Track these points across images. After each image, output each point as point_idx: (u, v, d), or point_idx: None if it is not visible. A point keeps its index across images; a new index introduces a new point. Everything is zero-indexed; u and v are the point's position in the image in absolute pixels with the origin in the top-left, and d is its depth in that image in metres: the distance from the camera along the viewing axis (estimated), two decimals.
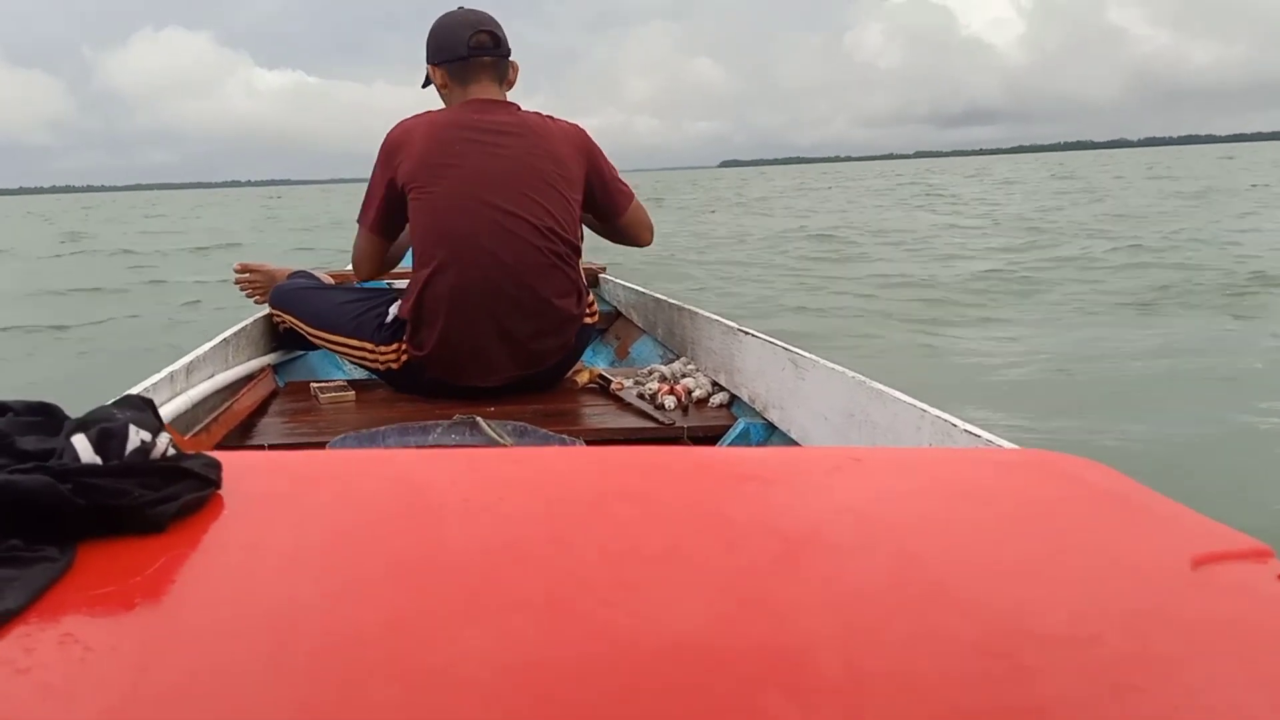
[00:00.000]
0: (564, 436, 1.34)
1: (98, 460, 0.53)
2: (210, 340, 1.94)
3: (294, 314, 2.22)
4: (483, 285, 1.92)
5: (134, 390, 1.49)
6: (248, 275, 2.50)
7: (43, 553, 0.48)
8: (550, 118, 2.09)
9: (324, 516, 0.58)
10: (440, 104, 2.16)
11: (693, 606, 0.48)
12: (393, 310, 2.05)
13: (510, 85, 2.12)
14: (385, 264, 2.22)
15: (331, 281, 2.47)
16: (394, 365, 2.05)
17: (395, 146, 2.01)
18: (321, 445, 1.67)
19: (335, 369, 2.61)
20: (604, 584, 0.50)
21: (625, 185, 2.20)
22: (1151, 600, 0.50)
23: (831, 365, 1.56)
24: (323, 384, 2.07)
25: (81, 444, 0.54)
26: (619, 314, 2.89)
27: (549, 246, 1.97)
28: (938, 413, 1.24)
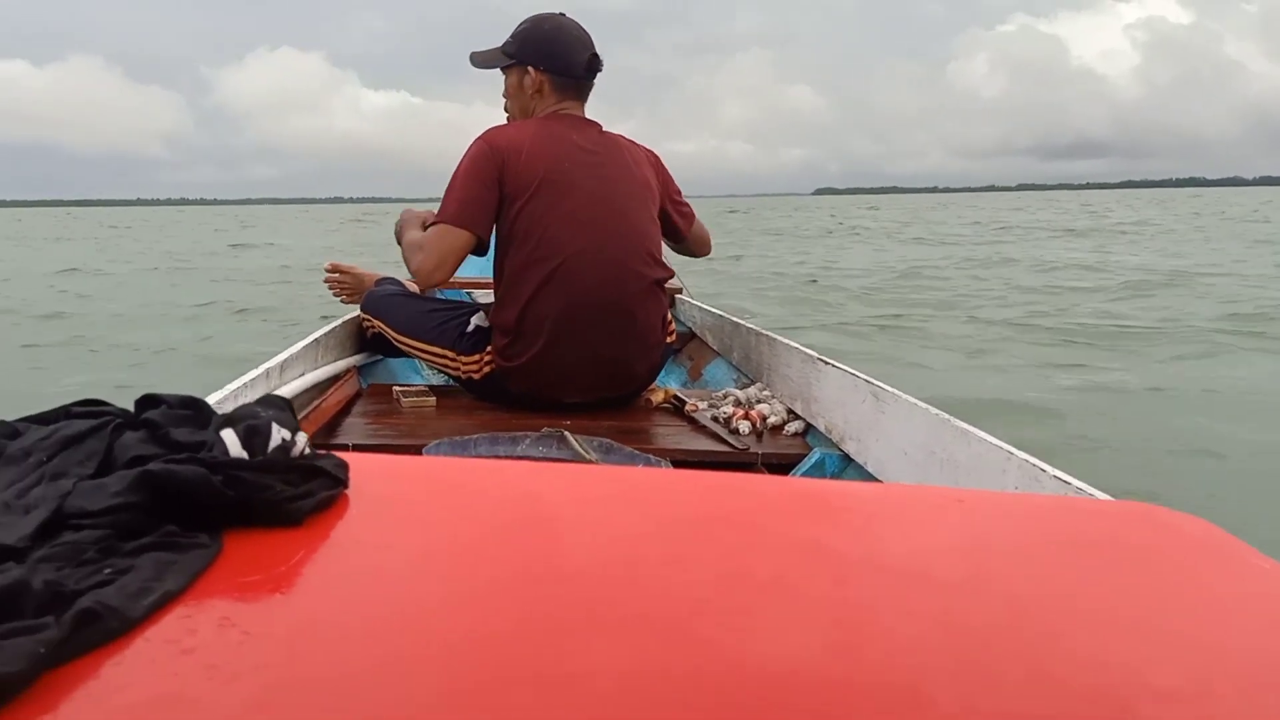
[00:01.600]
0: (649, 456, 1.36)
1: (244, 455, 0.57)
2: (302, 340, 2.01)
3: (383, 320, 2.28)
4: (589, 305, 1.95)
5: (233, 384, 1.55)
6: (338, 275, 2.57)
7: (197, 539, 0.51)
8: (630, 140, 2.13)
9: (447, 522, 0.61)
10: (498, 95, 2.17)
11: (805, 636, 0.49)
12: (474, 321, 2.09)
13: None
14: (457, 268, 2.07)
15: (418, 290, 2.53)
16: (475, 375, 2.09)
17: (500, 152, 1.98)
18: (404, 448, 1.71)
19: (415, 374, 2.66)
20: (718, 607, 0.51)
21: (688, 204, 2.29)
22: (1266, 657, 0.50)
23: (914, 400, 1.55)
24: (404, 388, 2.12)
25: (230, 438, 0.57)
26: (693, 335, 2.90)
27: (648, 271, 2.00)
28: (1025, 456, 1.23)
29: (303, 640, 0.45)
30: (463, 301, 2.30)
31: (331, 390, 1.97)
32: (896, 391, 1.62)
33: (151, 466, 0.53)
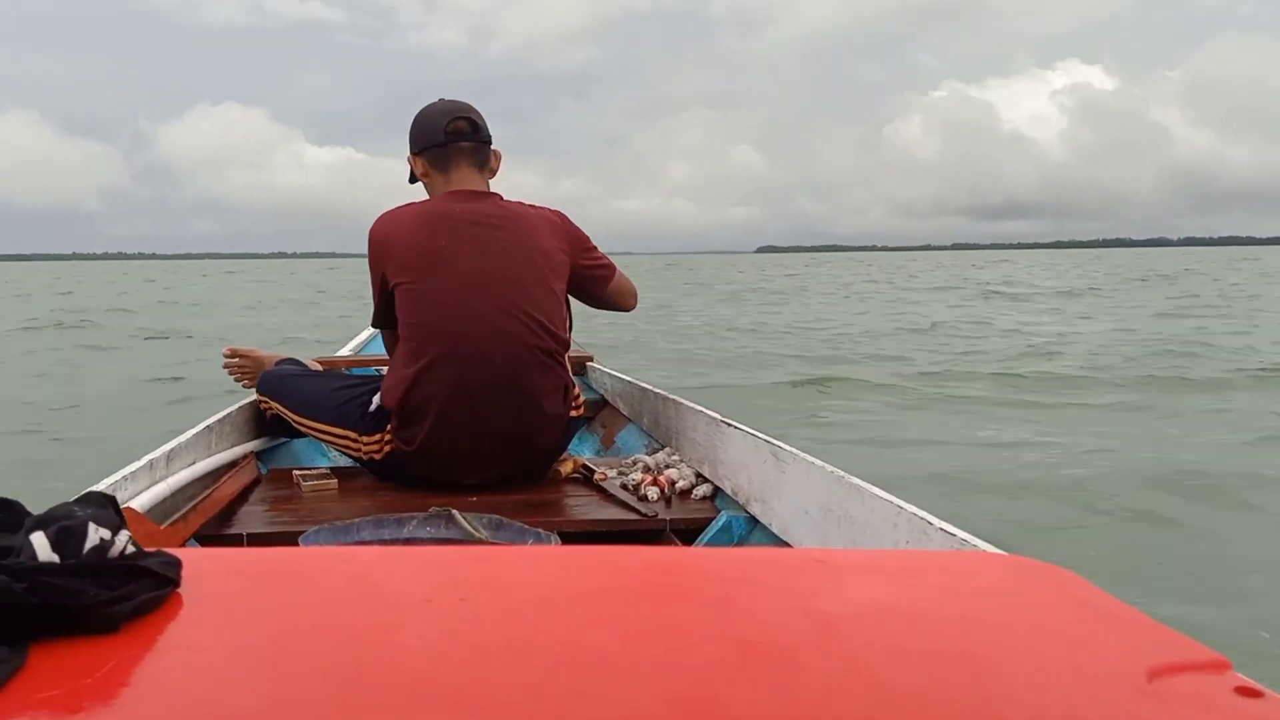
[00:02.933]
0: (539, 531, 1.33)
1: (55, 558, 0.54)
2: (194, 427, 1.94)
3: (280, 401, 2.22)
4: (474, 385, 1.91)
5: (113, 477, 1.49)
6: (236, 360, 2.51)
7: None
8: (532, 206, 2.11)
9: (278, 616, 0.58)
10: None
11: (643, 709, 0.48)
12: (376, 399, 2.05)
13: (493, 173, 2.13)
14: None
15: (319, 369, 2.48)
16: (376, 455, 2.04)
17: (382, 242, 2.01)
18: (301, 534, 1.66)
19: (320, 456, 2.60)
20: (555, 689, 0.50)
21: (605, 259, 2.22)
22: (1107, 711, 0.50)
23: (811, 459, 1.56)
24: (305, 472, 2.06)
25: (40, 541, 0.54)
26: (605, 402, 2.90)
27: (540, 344, 1.96)
28: (914, 510, 1.24)
29: None
30: (366, 377, 2.25)
31: (226, 478, 1.91)
32: (795, 451, 1.63)
33: None
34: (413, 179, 2.18)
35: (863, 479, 1.42)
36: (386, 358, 2.64)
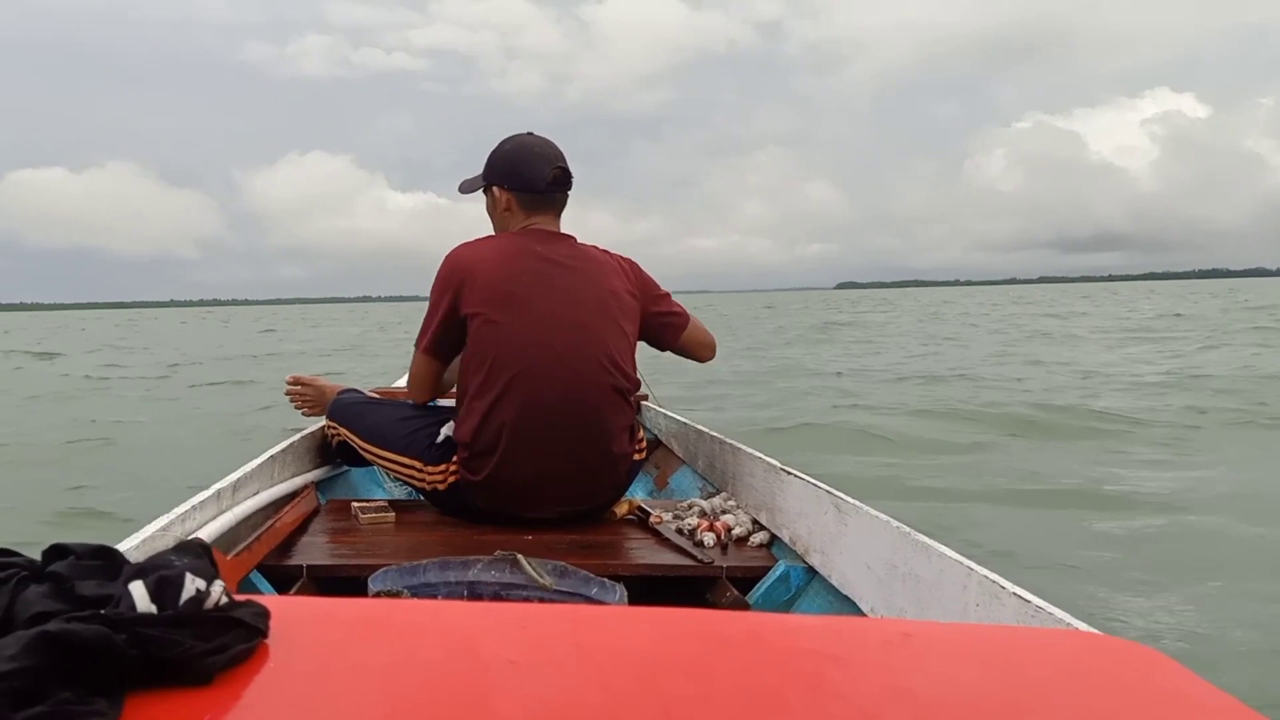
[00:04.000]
0: (604, 581, 1.32)
1: (153, 609, 0.54)
2: (257, 458, 1.96)
3: (349, 427, 2.25)
4: (547, 420, 1.93)
5: (183, 506, 1.51)
6: (299, 388, 2.54)
7: (93, 706, 0.48)
8: (605, 251, 2.14)
9: (371, 673, 0.58)
10: (484, 216, 2.21)
11: None
12: (444, 430, 2.07)
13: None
14: (443, 387, 2.22)
15: (378, 398, 2.50)
16: (440, 485, 2.05)
17: (460, 271, 2.01)
18: (359, 567, 1.66)
19: (376, 487, 2.62)
20: None
21: (678, 308, 2.25)
22: None
23: (875, 513, 1.53)
24: (363, 504, 2.08)
25: (139, 591, 0.54)
26: (659, 443, 2.88)
27: (611, 382, 1.98)
28: (985, 572, 1.21)
29: None
30: (433, 409, 2.27)
31: (287, 508, 1.92)
32: (858, 503, 1.60)
33: (49, 627, 0.50)
34: (468, 190, 2.21)
35: (929, 536, 1.39)
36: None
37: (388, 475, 2.59)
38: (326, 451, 2.41)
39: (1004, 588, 1.15)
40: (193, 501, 1.56)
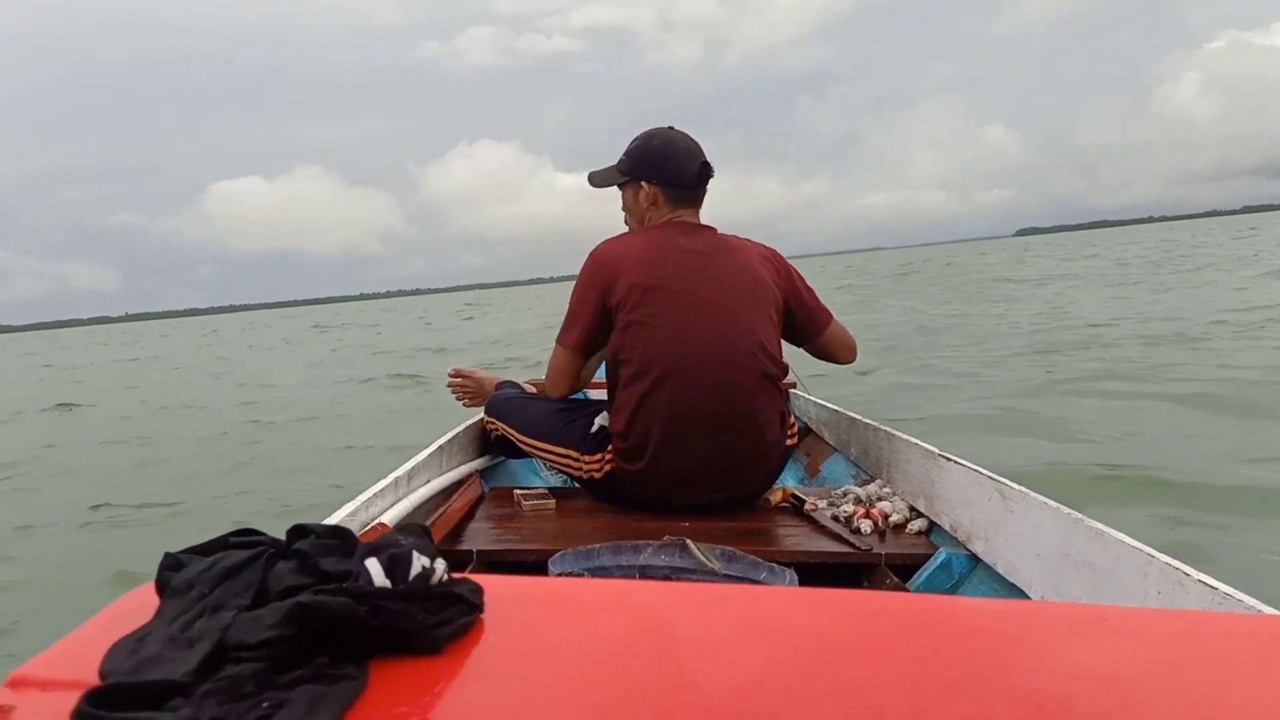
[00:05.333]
0: (772, 566, 1.34)
1: (387, 583, 0.59)
2: (427, 448, 2.07)
3: (507, 422, 2.35)
4: (701, 408, 1.96)
5: (366, 493, 1.61)
6: (460, 380, 2.66)
7: (345, 671, 0.53)
8: (748, 240, 2.16)
9: (578, 650, 0.62)
10: (618, 209, 2.25)
11: None
12: (598, 421, 2.13)
13: None
14: (581, 382, 2.27)
15: (534, 391, 2.59)
16: (595, 474, 2.11)
17: (608, 265, 2.06)
18: (527, 552, 1.74)
19: (534, 475, 2.71)
20: None
21: (821, 305, 2.25)
22: None
23: (1044, 499, 1.50)
24: (525, 491, 2.16)
25: (375, 568, 0.60)
26: (809, 430, 2.88)
27: (760, 368, 2.00)
28: (1166, 559, 1.18)
29: None
30: (585, 401, 2.33)
31: (456, 495, 2.02)
32: (1025, 490, 1.57)
33: (303, 598, 0.55)
34: (601, 184, 2.25)
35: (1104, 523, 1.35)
36: (594, 381, 2.73)
37: (544, 465, 2.68)
38: (486, 442, 2.51)
39: (1188, 574, 1.11)
40: (374, 489, 1.66)
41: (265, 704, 0.49)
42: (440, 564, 0.63)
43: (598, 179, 2.26)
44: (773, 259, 2.16)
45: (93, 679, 0.52)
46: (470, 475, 2.25)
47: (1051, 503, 1.48)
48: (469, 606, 0.62)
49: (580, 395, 2.78)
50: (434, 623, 0.58)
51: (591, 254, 2.12)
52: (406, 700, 0.53)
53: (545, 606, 0.69)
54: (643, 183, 2.17)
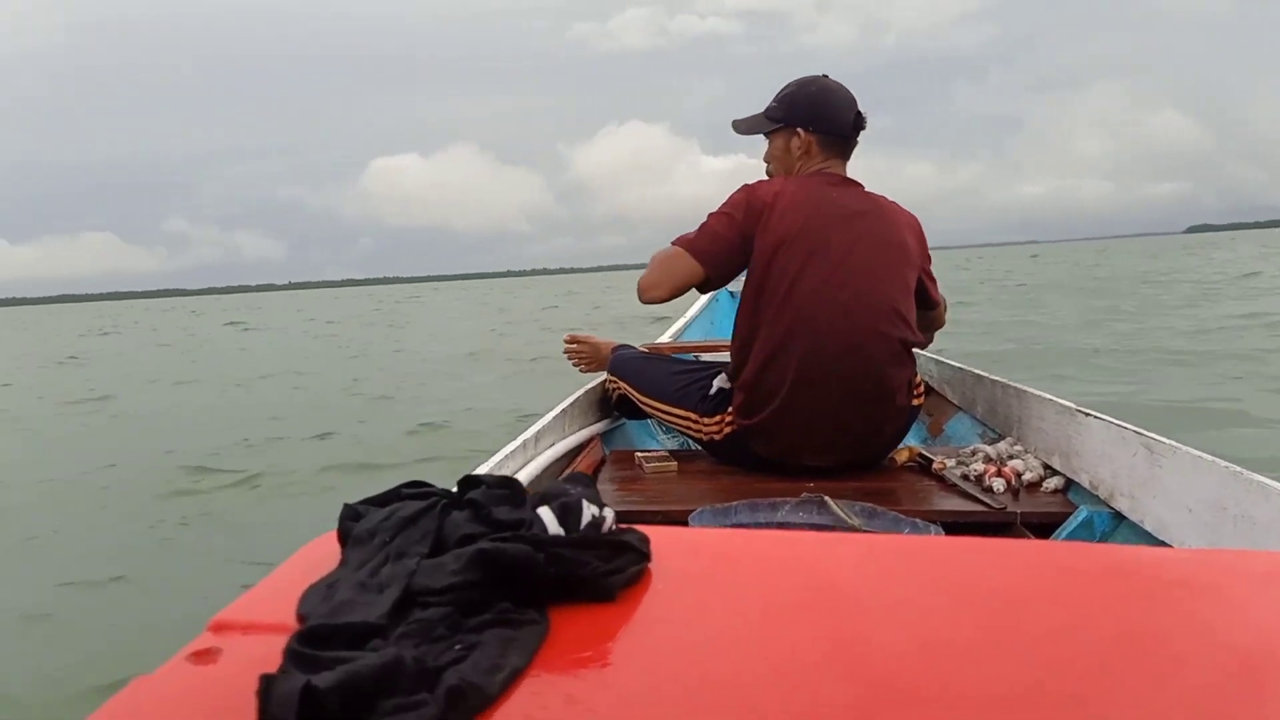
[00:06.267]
0: (915, 520, 1.32)
1: (561, 531, 0.60)
2: (551, 411, 2.09)
3: (628, 381, 2.36)
4: (832, 371, 1.92)
5: (499, 455, 1.64)
6: (576, 346, 2.68)
7: (528, 615, 0.54)
8: (895, 203, 2.10)
9: (745, 596, 0.62)
10: (759, 153, 2.19)
11: None
12: (716, 383, 2.12)
13: None
14: (671, 294, 2.09)
15: (648, 353, 2.59)
16: (715, 436, 2.11)
17: (765, 205, 1.99)
18: (654, 514, 1.74)
19: (650, 439, 2.72)
20: (1053, 693, 0.49)
21: (937, 286, 2.21)
22: None
23: (1197, 453, 1.43)
24: (646, 454, 2.17)
25: (548, 516, 0.60)
26: (931, 389, 2.81)
27: (897, 334, 1.95)
28: None
29: (639, 716, 0.47)
30: (704, 363, 2.32)
31: (580, 458, 2.05)
32: (1174, 444, 1.50)
33: (484, 545, 0.56)
34: (750, 132, 2.16)
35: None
36: (703, 344, 2.70)
37: (662, 428, 2.68)
38: (605, 406, 2.53)
39: None
40: (504, 451, 1.69)
41: (458, 646, 0.50)
42: (609, 513, 0.63)
43: (744, 126, 2.19)
44: (916, 225, 2.10)
45: (291, 622, 0.54)
46: (592, 439, 2.27)
47: (1206, 456, 1.41)
48: (639, 555, 0.62)
49: (689, 358, 2.77)
50: (607, 570, 0.59)
51: (744, 186, 2.06)
52: (589, 644, 0.54)
53: (711, 558, 0.69)
54: (798, 129, 2.09)
